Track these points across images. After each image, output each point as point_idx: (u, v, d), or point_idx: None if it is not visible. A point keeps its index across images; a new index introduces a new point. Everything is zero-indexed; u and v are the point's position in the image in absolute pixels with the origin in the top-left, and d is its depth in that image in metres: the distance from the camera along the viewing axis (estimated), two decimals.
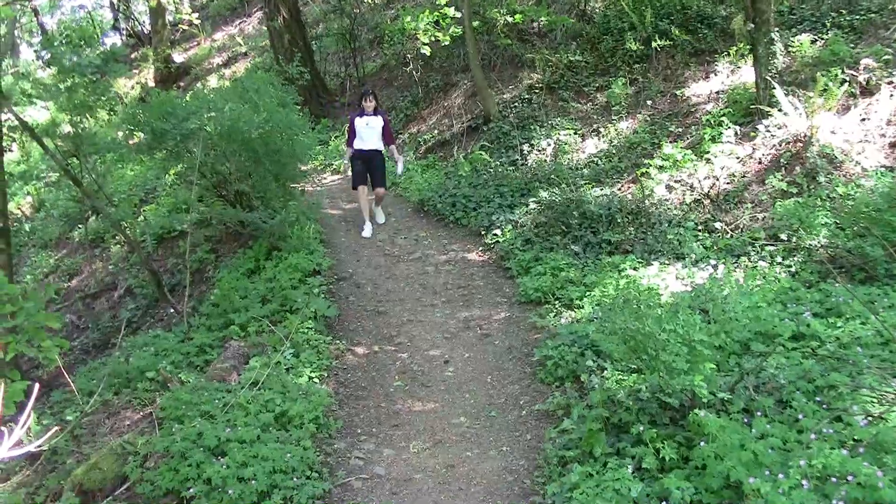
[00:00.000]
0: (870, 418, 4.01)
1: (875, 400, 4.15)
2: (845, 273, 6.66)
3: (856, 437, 3.80)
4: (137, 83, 21.96)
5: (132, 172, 13.64)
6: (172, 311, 8.22)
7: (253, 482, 4.54)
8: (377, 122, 10.09)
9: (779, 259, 7.14)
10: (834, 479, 3.35)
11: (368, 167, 10.16)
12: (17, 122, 7.66)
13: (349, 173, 10.66)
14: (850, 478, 3.26)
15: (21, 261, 12.81)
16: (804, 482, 3.33)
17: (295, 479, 4.69)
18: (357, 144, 10.11)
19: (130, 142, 8.73)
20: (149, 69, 22.15)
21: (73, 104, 7.45)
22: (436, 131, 13.65)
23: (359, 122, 10.06)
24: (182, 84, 20.79)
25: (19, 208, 15.00)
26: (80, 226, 12.49)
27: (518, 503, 4.56)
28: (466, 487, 4.77)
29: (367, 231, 10.04)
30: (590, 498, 4.03)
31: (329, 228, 10.23)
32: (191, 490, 4.56)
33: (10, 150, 15.00)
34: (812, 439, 3.67)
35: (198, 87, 17.43)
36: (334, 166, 13.89)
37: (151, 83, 21.26)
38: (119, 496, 4.80)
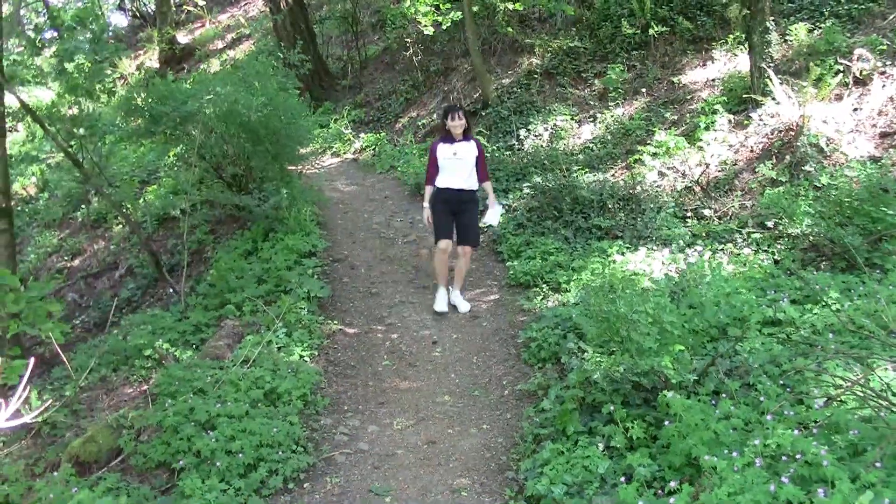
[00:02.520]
0: (828, 400, 4.16)
1: (835, 384, 4.29)
2: (827, 261, 6.78)
3: (815, 419, 3.95)
4: (142, 64, 22.06)
5: (135, 154, 13.79)
6: (171, 290, 8.39)
7: (240, 455, 4.73)
8: (469, 151, 7.31)
9: (764, 246, 7.27)
10: (785, 458, 3.50)
11: (455, 214, 7.43)
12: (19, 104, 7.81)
13: (427, 219, 7.49)
14: (798, 456, 3.41)
15: (25, 240, 13.02)
16: (757, 460, 3.47)
17: (280, 453, 4.88)
18: (442, 182, 7.34)
19: (132, 123, 8.87)
20: (153, 50, 22.24)
21: (72, 86, 7.60)
22: (435, 115, 13.74)
23: (443, 152, 7.31)
24: (186, 66, 20.88)
25: (24, 189, 15.17)
26: (82, 206, 12.68)
27: (493, 478, 4.73)
28: (445, 463, 4.95)
29: (442, 302, 7.40)
30: (559, 474, 4.20)
31: (326, 211, 10.35)
32: (181, 462, 4.76)
33: (16, 131, 15.13)
34: (769, 420, 3.82)
35: (200, 69, 17.52)
36: (334, 150, 14.03)
37: (156, 64, 21.35)
38: (114, 468, 4.98)
